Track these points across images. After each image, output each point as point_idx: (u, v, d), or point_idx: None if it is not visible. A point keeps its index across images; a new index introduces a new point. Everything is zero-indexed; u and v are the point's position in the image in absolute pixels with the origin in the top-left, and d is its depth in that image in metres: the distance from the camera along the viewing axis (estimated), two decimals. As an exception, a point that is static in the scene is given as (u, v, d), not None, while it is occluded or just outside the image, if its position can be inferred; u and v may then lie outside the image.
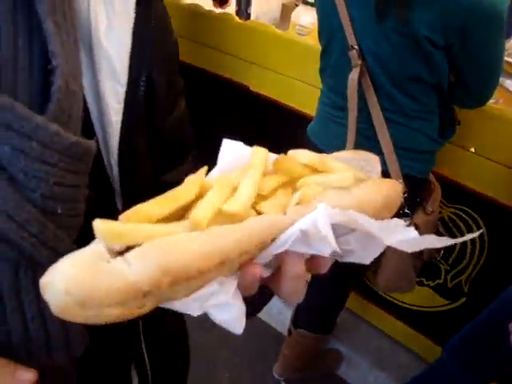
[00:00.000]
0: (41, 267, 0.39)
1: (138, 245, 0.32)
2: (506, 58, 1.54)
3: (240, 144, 0.41)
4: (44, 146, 0.39)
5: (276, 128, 1.97)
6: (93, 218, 0.34)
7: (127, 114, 0.51)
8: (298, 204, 0.38)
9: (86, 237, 0.42)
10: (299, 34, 1.88)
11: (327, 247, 0.37)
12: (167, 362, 0.73)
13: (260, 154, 0.39)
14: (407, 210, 1.38)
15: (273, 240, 0.36)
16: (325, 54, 1.41)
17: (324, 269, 0.42)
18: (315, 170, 0.40)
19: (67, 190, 0.42)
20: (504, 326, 1.15)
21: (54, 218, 0.41)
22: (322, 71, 1.46)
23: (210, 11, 2.00)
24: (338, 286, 1.76)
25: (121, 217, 0.33)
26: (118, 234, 0.32)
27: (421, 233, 1.27)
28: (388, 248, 1.39)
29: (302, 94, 1.83)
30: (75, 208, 0.43)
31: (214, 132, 2.01)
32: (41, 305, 0.43)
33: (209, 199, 0.35)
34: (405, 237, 0.40)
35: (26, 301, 0.43)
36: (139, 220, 0.33)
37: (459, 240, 0.42)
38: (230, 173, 0.39)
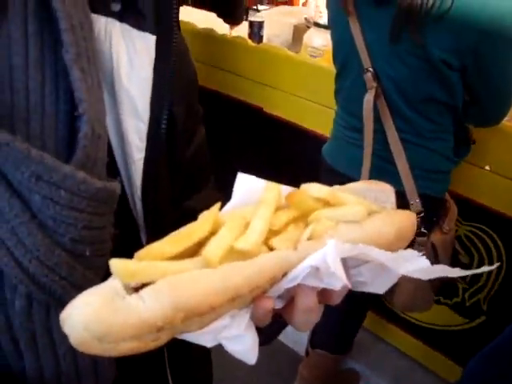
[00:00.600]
0: None
1: (153, 281, 0.33)
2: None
3: (254, 178, 0.42)
4: (72, 193, 0.40)
5: (289, 148, 1.99)
6: (119, 255, 0.35)
7: (150, 151, 0.51)
8: (309, 239, 0.39)
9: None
10: (311, 55, 1.90)
11: (338, 282, 0.38)
12: None
13: (272, 190, 0.40)
14: (424, 229, 1.38)
15: (284, 275, 0.37)
16: (340, 76, 1.44)
17: (337, 300, 0.42)
18: (327, 204, 0.41)
19: (94, 233, 0.43)
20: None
21: (82, 260, 0.43)
22: (337, 93, 1.48)
23: (224, 35, 2.05)
24: (355, 306, 1.75)
25: (136, 255, 0.35)
26: (132, 273, 0.33)
27: (438, 251, 1.26)
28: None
29: (315, 114, 1.85)
30: (102, 248, 0.45)
31: (228, 153, 2.04)
32: None
33: (221, 237, 0.36)
34: (417, 267, 0.41)
35: (58, 338, 0.44)
36: (153, 258, 0.34)
37: (469, 272, 0.43)
38: (244, 207, 0.40)
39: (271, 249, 0.38)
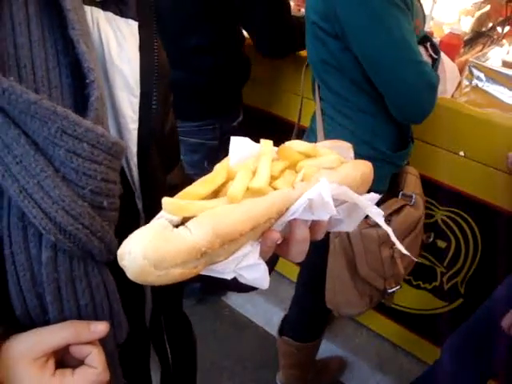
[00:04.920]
0: (90, 258, 0.49)
1: (190, 218, 0.41)
2: (484, 64, 1.59)
3: (247, 139, 0.50)
4: (93, 146, 0.45)
5: (268, 138, 2.01)
6: (120, 217, 0.45)
7: (143, 122, 0.57)
8: (301, 181, 0.48)
9: (118, 231, 0.49)
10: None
11: (327, 213, 0.47)
12: (183, 348, 0.78)
13: (268, 144, 0.49)
14: None
15: (287, 209, 0.46)
16: None
17: (321, 235, 0.52)
18: (308, 156, 0.51)
19: (110, 186, 0.48)
20: (497, 324, 1.18)
21: (100, 212, 0.47)
22: None
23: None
24: (313, 299, 1.70)
25: (175, 197, 0.42)
26: (181, 208, 0.41)
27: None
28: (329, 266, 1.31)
29: (291, 103, 1.88)
30: (115, 203, 0.49)
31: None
32: (92, 292, 0.49)
33: (239, 180, 0.44)
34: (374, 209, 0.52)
35: (80, 289, 0.48)
36: (190, 198, 0.43)
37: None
38: (246, 160, 0.48)
39: (275, 189, 0.46)
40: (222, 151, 1.79)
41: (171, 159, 0.71)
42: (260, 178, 0.45)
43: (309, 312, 1.81)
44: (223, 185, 0.45)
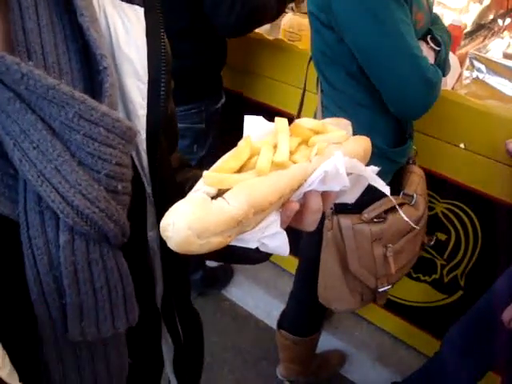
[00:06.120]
0: (105, 241, 0.50)
1: (224, 191, 0.44)
2: (485, 55, 1.59)
3: (261, 118, 0.53)
4: (108, 130, 0.46)
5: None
6: (130, 201, 0.47)
7: (151, 108, 0.57)
8: (316, 155, 0.52)
9: (128, 215, 0.51)
10: (289, 40, 1.92)
11: (338, 185, 0.51)
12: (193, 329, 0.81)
13: (284, 122, 0.52)
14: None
15: (305, 181, 0.50)
16: None
17: (329, 206, 0.55)
18: (317, 132, 0.54)
19: (124, 170, 0.49)
20: (497, 316, 1.18)
21: (114, 196, 0.48)
22: None
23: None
24: (310, 294, 1.66)
25: (210, 170, 0.46)
26: (220, 181, 0.45)
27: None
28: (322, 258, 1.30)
29: (294, 97, 1.87)
30: (128, 187, 0.50)
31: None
32: (107, 275, 0.50)
33: (264, 154, 0.48)
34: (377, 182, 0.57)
35: (96, 272, 0.49)
36: (224, 172, 0.46)
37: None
38: (264, 137, 0.51)
39: (294, 163, 0.50)
40: (209, 134, 1.83)
41: (172, 143, 0.71)
42: (282, 152, 0.48)
43: (306, 306, 1.80)
44: (247, 160, 0.49)
